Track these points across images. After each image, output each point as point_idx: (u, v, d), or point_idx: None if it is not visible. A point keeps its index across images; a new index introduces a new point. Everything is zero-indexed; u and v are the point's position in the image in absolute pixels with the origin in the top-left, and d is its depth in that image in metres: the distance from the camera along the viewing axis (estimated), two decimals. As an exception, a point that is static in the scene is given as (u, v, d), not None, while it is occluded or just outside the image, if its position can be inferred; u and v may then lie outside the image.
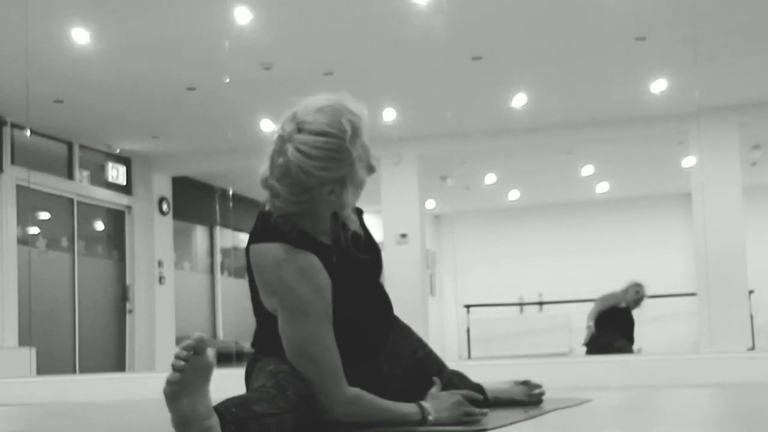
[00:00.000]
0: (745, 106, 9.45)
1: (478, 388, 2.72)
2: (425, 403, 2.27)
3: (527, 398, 2.83)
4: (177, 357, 1.82)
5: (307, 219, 2.21)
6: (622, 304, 8.00)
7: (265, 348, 2.33)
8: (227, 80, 7.96)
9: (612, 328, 7.83)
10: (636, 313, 8.19)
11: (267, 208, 2.23)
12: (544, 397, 2.88)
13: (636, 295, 8.01)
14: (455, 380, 2.61)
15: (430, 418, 2.24)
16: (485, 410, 2.36)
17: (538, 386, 2.87)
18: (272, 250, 2.17)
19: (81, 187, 10.15)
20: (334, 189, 2.17)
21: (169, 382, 1.82)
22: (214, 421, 1.87)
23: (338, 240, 2.28)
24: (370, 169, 2.27)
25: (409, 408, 2.25)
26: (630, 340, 7.95)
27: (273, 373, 2.16)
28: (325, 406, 2.16)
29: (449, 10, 6.84)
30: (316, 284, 2.17)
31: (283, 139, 2.15)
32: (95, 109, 9.07)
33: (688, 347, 11.34)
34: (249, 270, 2.27)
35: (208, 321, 12.15)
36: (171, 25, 7.04)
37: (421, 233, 10.42)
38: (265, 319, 2.29)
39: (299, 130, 2.13)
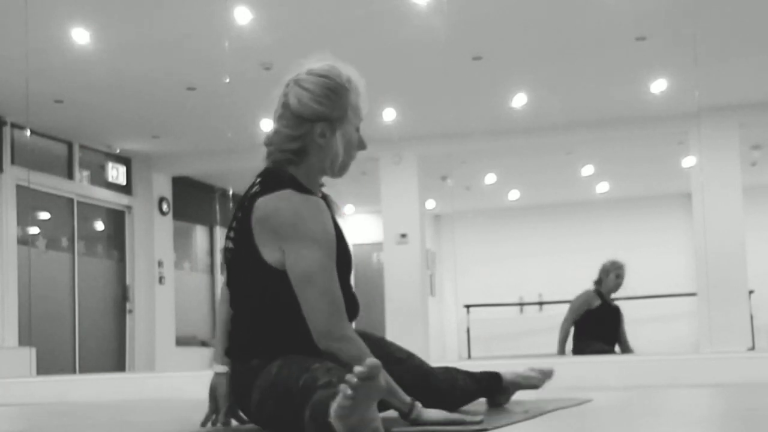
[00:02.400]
0: (745, 106, 9.45)
1: (494, 376, 2.83)
2: (417, 402, 2.26)
3: (541, 375, 2.92)
4: (348, 382, 1.81)
5: (302, 171, 2.35)
6: (595, 303, 6.81)
7: (260, 348, 2.31)
8: (227, 80, 7.97)
9: (590, 334, 6.74)
10: (637, 314, 7.91)
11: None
12: (544, 397, 2.89)
13: (617, 279, 6.81)
14: (461, 378, 2.70)
15: (419, 405, 2.22)
16: (479, 416, 2.30)
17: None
18: (283, 194, 2.28)
19: (81, 187, 10.15)
20: (325, 132, 2.34)
21: (340, 407, 1.82)
22: (379, 420, 1.90)
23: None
24: (361, 144, 2.43)
25: (403, 393, 2.24)
26: (609, 340, 6.80)
27: (314, 368, 2.15)
28: (325, 335, 2.21)
29: (449, 10, 6.84)
30: (326, 221, 2.28)
31: (289, 85, 2.38)
32: (95, 109, 9.07)
33: (688, 347, 11.33)
34: (240, 224, 2.31)
35: (208, 321, 12.15)
36: (171, 25, 7.04)
37: (421, 233, 10.41)
38: (260, 293, 2.29)
39: (306, 74, 2.38)
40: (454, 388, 2.69)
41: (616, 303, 6.98)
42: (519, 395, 2.99)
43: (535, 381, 2.92)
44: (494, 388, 2.84)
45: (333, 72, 2.37)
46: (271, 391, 2.20)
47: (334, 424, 1.85)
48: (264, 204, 2.28)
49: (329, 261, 2.25)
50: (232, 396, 2.47)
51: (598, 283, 6.88)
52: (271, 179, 2.33)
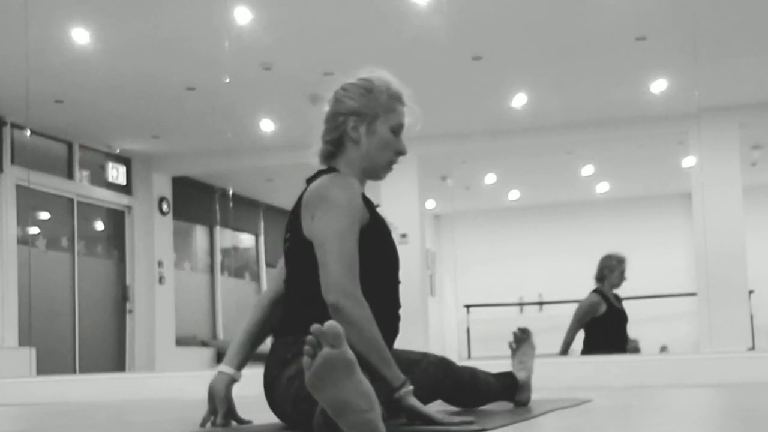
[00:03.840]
0: (745, 106, 9.45)
1: (508, 373, 2.94)
2: (410, 384, 2.27)
3: (527, 344, 3.08)
4: (307, 343, 1.78)
5: (342, 165, 2.54)
6: (601, 310, 6.31)
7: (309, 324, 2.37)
8: (227, 80, 7.96)
9: (600, 344, 6.32)
10: (637, 314, 7.81)
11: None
12: (544, 398, 2.90)
13: (622, 275, 6.39)
14: (481, 373, 2.80)
15: (410, 388, 2.24)
16: (470, 417, 2.32)
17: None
18: (325, 176, 2.48)
19: (81, 187, 10.14)
20: (357, 126, 2.54)
21: (305, 366, 1.80)
22: (375, 414, 1.82)
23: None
24: (399, 149, 2.64)
25: (397, 370, 2.26)
26: (619, 345, 6.40)
27: None
28: (335, 288, 2.27)
29: (449, 10, 6.84)
30: (353, 195, 2.41)
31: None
32: (95, 109, 9.07)
33: (688, 347, 11.33)
34: (293, 218, 2.45)
35: (208, 321, 12.14)
36: (171, 25, 7.04)
37: (421, 233, 10.41)
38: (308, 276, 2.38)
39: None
40: (476, 377, 2.77)
41: (622, 301, 6.59)
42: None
43: (528, 359, 3.04)
44: (512, 385, 2.92)
45: (372, 76, 2.62)
46: (305, 372, 2.21)
47: (312, 394, 1.82)
48: (307, 191, 2.48)
49: (349, 226, 2.37)
50: (231, 400, 2.52)
51: (600, 280, 6.42)
52: (317, 174, 2.54)
